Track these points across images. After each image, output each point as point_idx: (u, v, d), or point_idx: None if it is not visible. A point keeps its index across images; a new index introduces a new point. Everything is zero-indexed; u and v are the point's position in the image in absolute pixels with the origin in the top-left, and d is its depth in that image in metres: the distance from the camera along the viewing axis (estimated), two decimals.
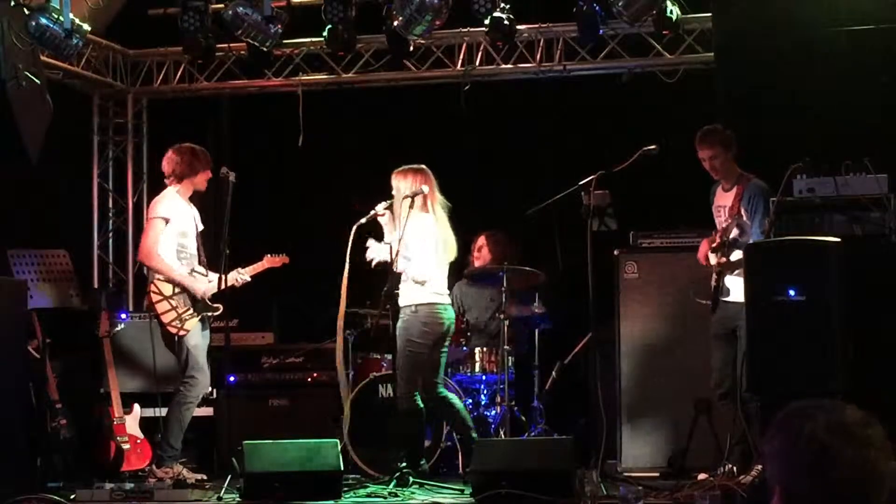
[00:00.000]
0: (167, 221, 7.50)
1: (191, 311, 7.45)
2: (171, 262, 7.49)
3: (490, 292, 8.52)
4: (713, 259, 6.96)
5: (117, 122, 9.90)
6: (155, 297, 7.46)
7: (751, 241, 6.78)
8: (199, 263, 7.64)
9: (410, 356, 7.20)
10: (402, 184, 7.25)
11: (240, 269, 7.71)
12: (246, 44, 8.63)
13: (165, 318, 7.44)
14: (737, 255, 6.80)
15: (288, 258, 7.91)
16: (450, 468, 7.71)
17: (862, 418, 2.06)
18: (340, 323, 7.20)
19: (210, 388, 7.73)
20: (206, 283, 7.52)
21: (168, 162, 7.68)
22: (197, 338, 7.49)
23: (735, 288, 6.82)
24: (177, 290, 7.45)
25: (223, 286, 7.31)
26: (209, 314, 7.53)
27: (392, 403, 7.44)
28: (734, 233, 6.90)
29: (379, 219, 7.26)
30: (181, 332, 7.42)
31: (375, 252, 7.23)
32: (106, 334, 7.88)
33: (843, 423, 2.03)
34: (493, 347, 8.21)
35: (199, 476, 7.42)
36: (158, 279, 7.48)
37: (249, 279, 7.76)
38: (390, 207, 7.25)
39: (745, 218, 6.90)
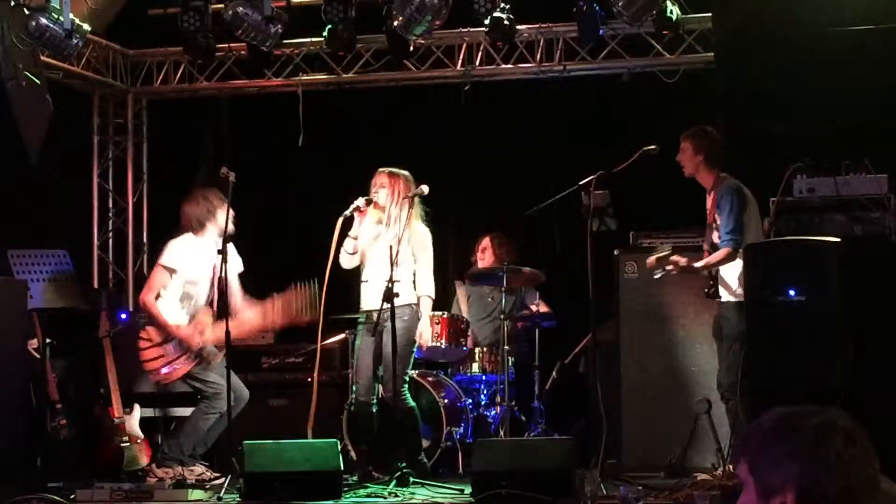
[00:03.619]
0: (173, 272, 7.36)
1: (186, 356, 7.31)
2: (171, 312, 7.33)
3: (489, 292, 8.55)
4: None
5: (117, 122, 9.90)
6: (143, 344, 7.37)
7: (718, 239, 6.83)
8: (211, 305, 7.37)
9: (411, 355, 7.25)
10: (394, 184, 7.24)
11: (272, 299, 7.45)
12: (246, 44, 8.63)
13: (150, 366, 7.36)
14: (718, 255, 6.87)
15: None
16: (450, 468, 7.71)
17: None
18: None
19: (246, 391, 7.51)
20: (199, 339, 7.31)
21: (183, 217, 7.45)
22: (201, 369, 7.36)
23: (721, 288, 6.91)
24: (170, 336, 7.35)
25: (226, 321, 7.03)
26: (207, 359, 7.31)
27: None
28: (714, 237, 6.96)
29: (356, 214, 7.21)
30: (166, 381, 7.38)
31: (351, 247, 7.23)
32: (106, 334, 7.87)
33: (838, 420, 2.03)
34: (493, 347, 8.23)
35: (210, 474, 7.33)
36: (151, 326, 7.41)
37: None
38: (372, 204, 7.23)
39: (717, 220, 6.92)
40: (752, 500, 2.04)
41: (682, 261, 6.98)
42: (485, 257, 8.62)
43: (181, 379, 7.41)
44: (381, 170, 7.36)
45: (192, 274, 7.39)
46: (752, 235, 6.82)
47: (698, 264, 6.97)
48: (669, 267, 6.99)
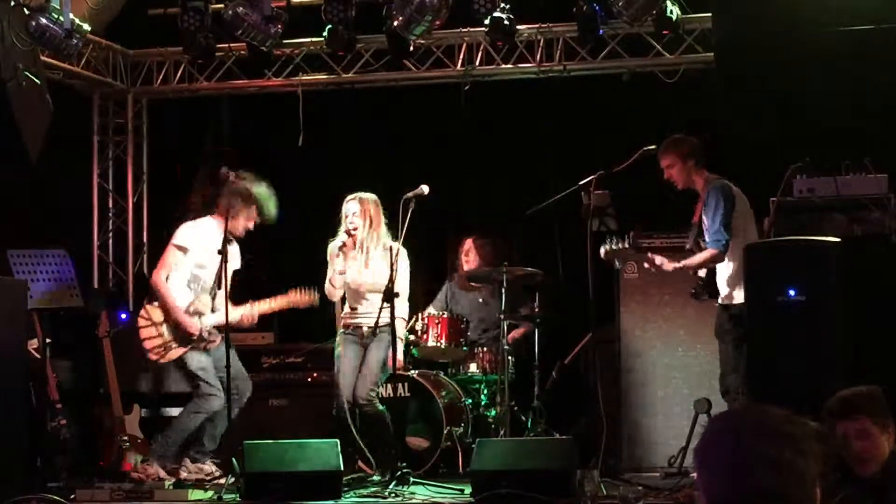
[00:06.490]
0: (185, 251, 7.37)
1: (180, 339, 7.32)
2: (178, 292, 7.34)
3: (483, 295, 8.51)
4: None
5: (117, 122, 9.90)
6: (142, 322, 7.37)
7: (707, 239, 6.80)
8: (212, 295, 7.38)
9: (386, 370, 7.31)
10: (366, 209, 7.29)
11: (252, 302, 7.46)
12: (246, 44, 8.63)
13: (147, 345, 7.35)
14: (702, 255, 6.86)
15: (317, 300, 7.47)
16: (450, 468, 7.71)
17: (784, 417, 2.05)
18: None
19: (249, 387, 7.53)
20: (198, 324, 7.33)
21: (221, 198, 7.41)
22: (200, 361, 7.35)
23: (727, 289, 6.91)
24: (169, 318, 7.36)
25: (226, 318, 7.07)
26: (203, 344, 7.33)
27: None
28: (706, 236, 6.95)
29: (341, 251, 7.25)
30: (161, 361, 7.37)
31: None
32: (106, 334, 7.88)
33: (766, 423, 2.02)
34: (493, 347, 8.21)
35: (219, 473, 7.33)
36: (153, 304, 7.41)
37: (255, 320, 7.51)
38: (350, 237, 7.26)
39: (704, 221, 6.90)
40: None
41: (657, 259, 6.95)
42: (469, 260, 8.55)
43: (177, 366, 7.40)
44: (349, 197, 7.34)
45: (201, 257, 7.39)
46: (742, 236, 6.79)
47: (678, 264, 6.93)
48: (646, 265, 6.98)
